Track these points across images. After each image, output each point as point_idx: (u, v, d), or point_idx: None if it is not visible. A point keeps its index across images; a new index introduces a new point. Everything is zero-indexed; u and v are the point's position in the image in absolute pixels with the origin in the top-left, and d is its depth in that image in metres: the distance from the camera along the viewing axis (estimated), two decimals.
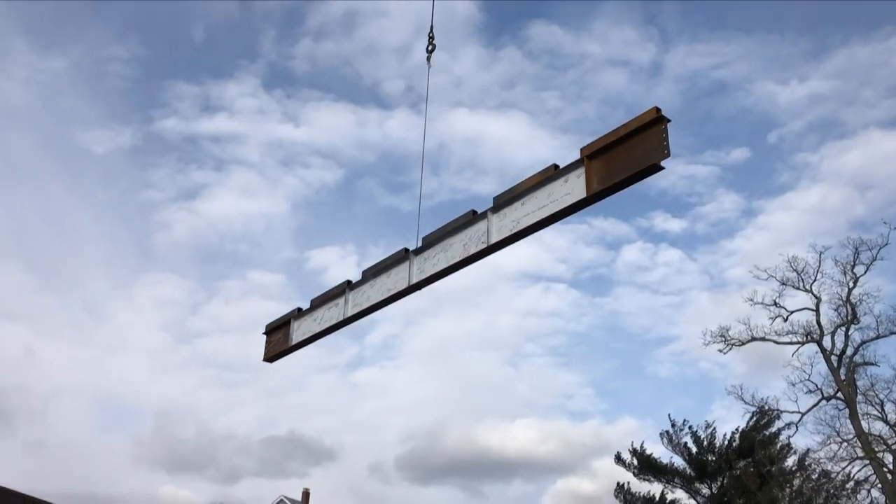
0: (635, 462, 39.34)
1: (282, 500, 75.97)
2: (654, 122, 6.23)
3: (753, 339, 35.39)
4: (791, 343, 34.93)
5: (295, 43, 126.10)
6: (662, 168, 6.25)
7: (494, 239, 7.61)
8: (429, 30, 11.22)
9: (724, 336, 35.54)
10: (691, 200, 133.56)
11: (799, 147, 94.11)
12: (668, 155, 6.14)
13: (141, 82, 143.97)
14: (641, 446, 39.63)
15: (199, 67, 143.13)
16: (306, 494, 78.74)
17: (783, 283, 35.14)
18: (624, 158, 6.45)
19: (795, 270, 34.88)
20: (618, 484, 39.69)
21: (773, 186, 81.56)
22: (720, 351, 36.02)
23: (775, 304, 35.18)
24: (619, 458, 40.10)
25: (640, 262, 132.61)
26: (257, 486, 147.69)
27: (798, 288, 35.13)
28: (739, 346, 35.69)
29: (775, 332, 35.14)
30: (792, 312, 35.07)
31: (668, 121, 6.19)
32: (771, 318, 35.57)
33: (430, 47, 11.16)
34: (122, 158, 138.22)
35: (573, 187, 6.88)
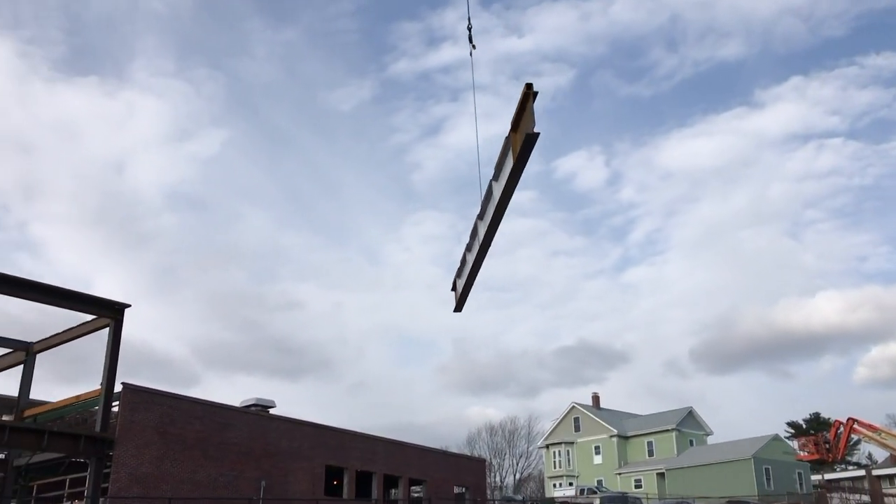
0: None
1: (573, 407, 79.55)
2: (525, 98, 7.09)
3: None
4: None
5: None
6: (537, 134, 7.02)
7: (495, 203, 9.03)
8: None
9: None
10: None
11: None
12: (533, 125, 7.01)
13: (368, 31, 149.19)
14: None
15: (416, 1, 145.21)
16: (596, 398, 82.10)
17: None
18: (523, 130, 7.36)
19: None
20: None
21: None
22: None
23: None
24: None
25: None
26: (556, 396, 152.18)
27: None
28: None
29: None
30: None
31: (535, 94, 6.97)
32: None
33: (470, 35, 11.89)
34: (367, 110, 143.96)
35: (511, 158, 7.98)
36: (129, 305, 26.73)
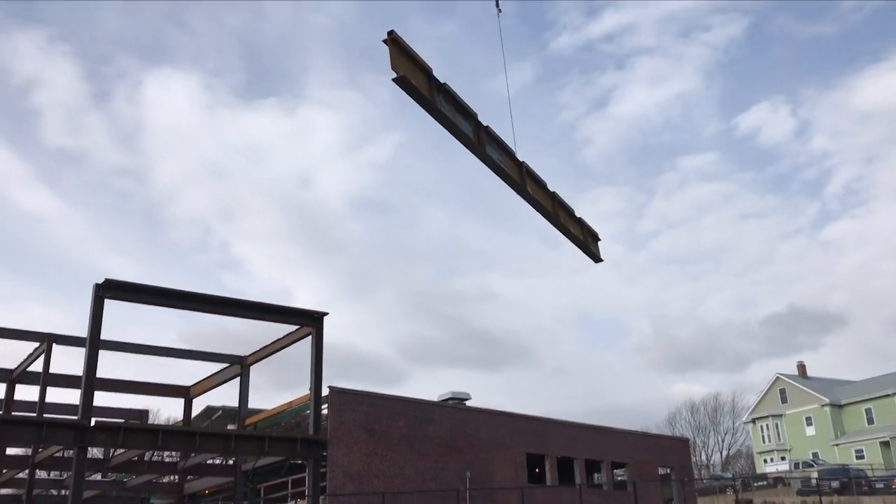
0: None
1: (777, 378, 77.02)
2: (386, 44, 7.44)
3: None
4: None
5: None
6: (402, 77, 7.52)
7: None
8: None
9: None
10: None
11: None
12: (397, 70, 7.48)
13: (525, 13, 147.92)
14: None
15: None
16: (802, 367, 78.78)
17: None
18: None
19: None
20: None
21: None
22: None
23: None
24: None
25: None
26: (768, 367, 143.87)
27: None
28: None
29: None
30: None
31: (392, 40, 7.31)
32: None
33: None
34: (530, 91, 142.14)
35: None
36: (326, 314, 28.27)
